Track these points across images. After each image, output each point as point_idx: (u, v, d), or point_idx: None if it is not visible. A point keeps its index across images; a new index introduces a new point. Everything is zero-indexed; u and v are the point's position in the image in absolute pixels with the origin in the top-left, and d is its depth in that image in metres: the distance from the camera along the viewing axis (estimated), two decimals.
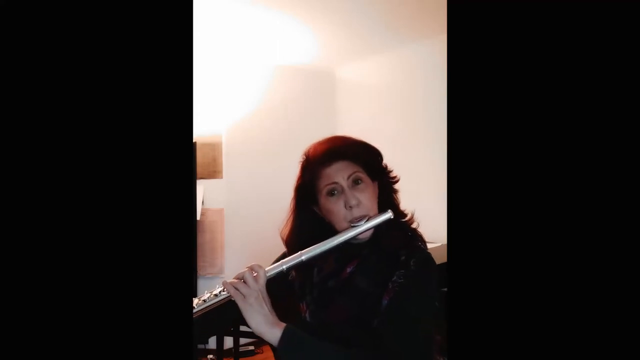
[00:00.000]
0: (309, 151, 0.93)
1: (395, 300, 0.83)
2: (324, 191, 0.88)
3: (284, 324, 0.79)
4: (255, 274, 0.81)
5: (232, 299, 0.81)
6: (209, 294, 0.83)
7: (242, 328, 2.70)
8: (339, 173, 0.87)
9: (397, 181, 0.95)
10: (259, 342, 3.17)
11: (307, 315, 0.93)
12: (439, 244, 2.63)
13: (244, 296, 0.79)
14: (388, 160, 0.98)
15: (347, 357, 0.79)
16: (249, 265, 0.83)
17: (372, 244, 0.89)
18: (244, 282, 0.81)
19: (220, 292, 0.82)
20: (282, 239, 0.97)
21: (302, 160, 0.94)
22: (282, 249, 0.99)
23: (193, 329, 0.72)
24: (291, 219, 0.96)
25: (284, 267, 0.84)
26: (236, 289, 0.80)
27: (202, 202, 3.14)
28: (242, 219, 3.26)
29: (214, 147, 3.20)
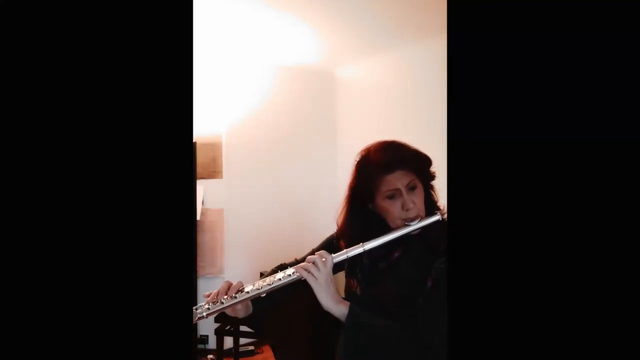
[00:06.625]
0: (367, 155, 1.06)
1: (437, 283, 0.98)
2: (385, 194, 1.02)
3: (348, 303, 0.95)
4: (324, 260, 0.97)
5: (303, 279, 0.96)
6: (283, 274, 0.98)
7: (242, 328, 2.69)
8: (399, 181, 1.01)
9: (434, 178, 1.09)
10: (259, 342, 3.17)
11: (357, 290, 1.09)
12: None
13: (316, 278, 0.95)
14: None
15: (394, 330, 0.94)
16: (318, 252, 0.99)
17: (416, 234, 1.03)
18: (315, 265, 0.96)
19: (293, 273, 0.97)
20: (337, 226, 1.14)
21: (358, 160, 1.07)
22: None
23: (261, 301, 0.98)
24: (345, 211, 1.11)
25: (348, 254, 1.00)
26: (308, 271, 0.95)
27: (202, 202, 3.14)
28: (242, 219, 3.26)
29: (214, 147, 3.20)
